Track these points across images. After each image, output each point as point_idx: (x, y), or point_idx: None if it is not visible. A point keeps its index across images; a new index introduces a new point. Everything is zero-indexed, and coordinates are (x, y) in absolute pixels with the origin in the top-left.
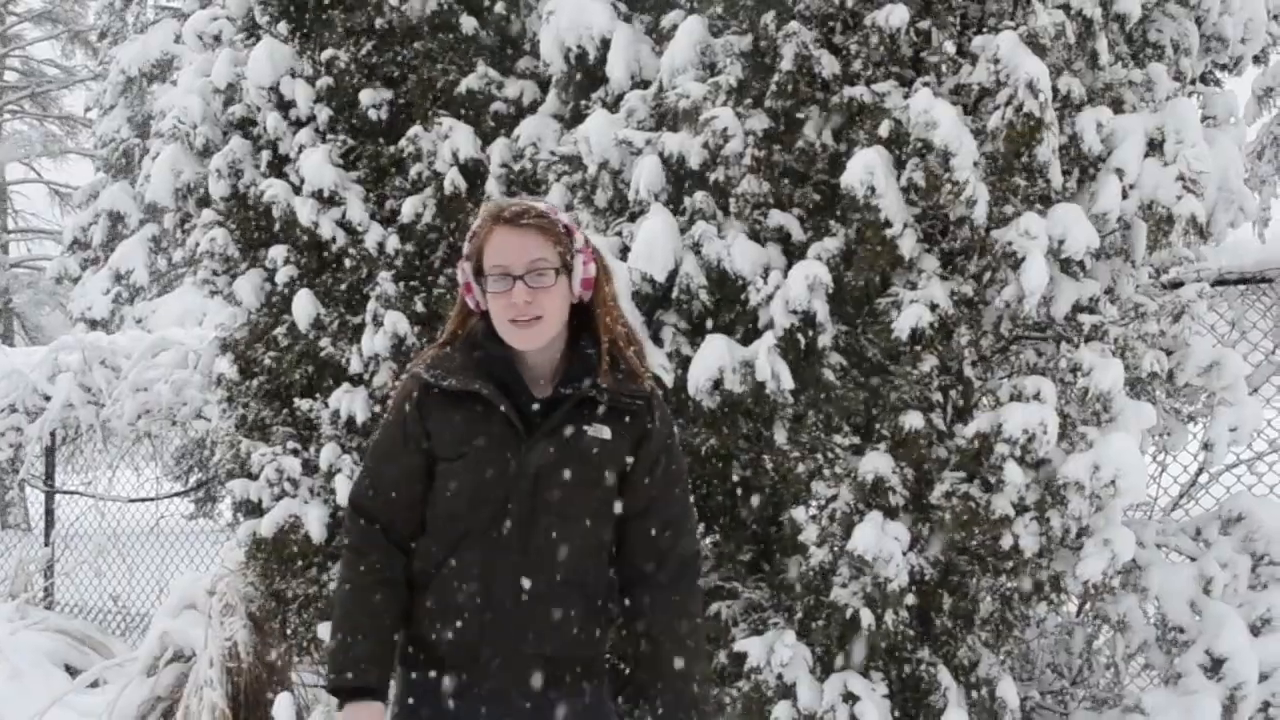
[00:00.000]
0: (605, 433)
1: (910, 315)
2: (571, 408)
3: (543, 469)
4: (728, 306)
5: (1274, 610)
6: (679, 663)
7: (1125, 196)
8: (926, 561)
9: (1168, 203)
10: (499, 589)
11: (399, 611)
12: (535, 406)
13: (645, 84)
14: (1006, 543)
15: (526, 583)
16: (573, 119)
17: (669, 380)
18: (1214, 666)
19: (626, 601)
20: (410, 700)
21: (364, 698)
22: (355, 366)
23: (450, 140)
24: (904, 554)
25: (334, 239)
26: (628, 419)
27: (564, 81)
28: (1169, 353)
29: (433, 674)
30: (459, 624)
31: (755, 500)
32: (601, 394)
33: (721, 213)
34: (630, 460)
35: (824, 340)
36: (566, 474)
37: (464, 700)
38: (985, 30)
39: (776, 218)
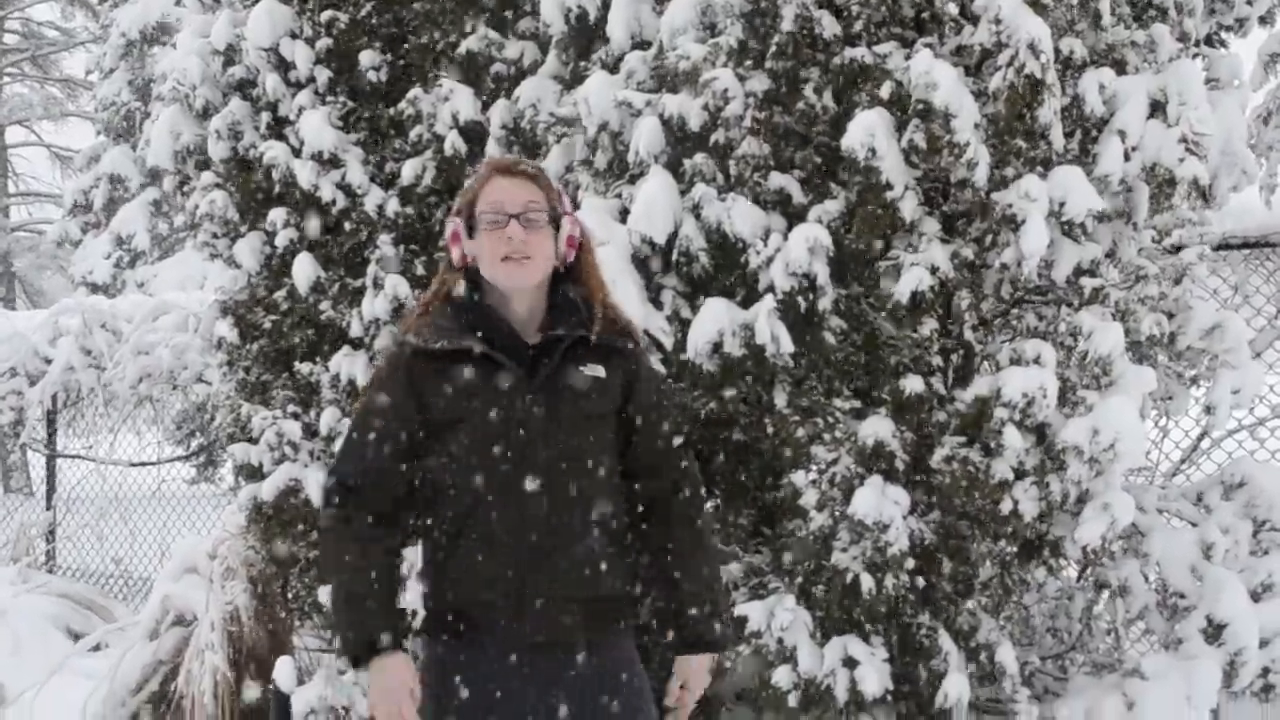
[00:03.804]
0: (600, 370)
1: (911, 278)
2: (567, 348)
3: (550, 408)
4: (728, 269)
5: (1275, 576)
6: (708, 573)
7: (1127, 159)
8: (927, 526)
9: (1170, 165)
10: (531, 532)
11: (395, 574)
12: (530, 352)
13: (645, 45)
14: (1006, 507)
15: (555, 521)
16: (573, 80)
17: (669, 343)
18: (1214, 632)
19: (645, 525)
20: (443, 670)
21: (384, 653)
22: (356, 330)
23: (450, 102)
24: (904, 518)
25: (334, 201)
26: (616, 357)
27: (564, 42)
28: (1170, 316)
29: (466, 638)
30: (495, 576)
31: (755, 464)
32: (591, 334)
33: (722, 175)
34: (625, 394)
35: (824, 303)
36: (572, 411)
37: (502, 655)
38: None
39: (777, 180)
